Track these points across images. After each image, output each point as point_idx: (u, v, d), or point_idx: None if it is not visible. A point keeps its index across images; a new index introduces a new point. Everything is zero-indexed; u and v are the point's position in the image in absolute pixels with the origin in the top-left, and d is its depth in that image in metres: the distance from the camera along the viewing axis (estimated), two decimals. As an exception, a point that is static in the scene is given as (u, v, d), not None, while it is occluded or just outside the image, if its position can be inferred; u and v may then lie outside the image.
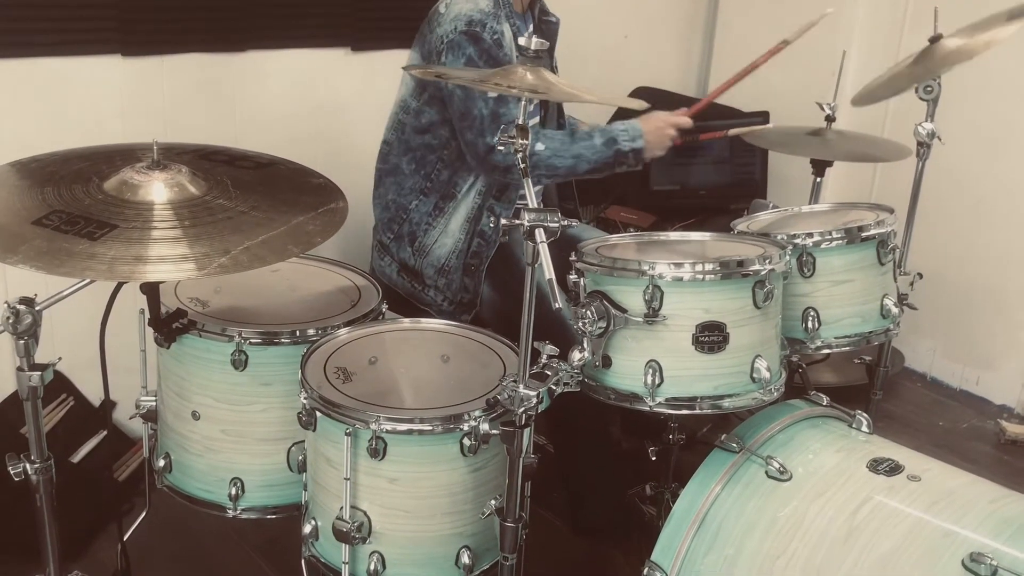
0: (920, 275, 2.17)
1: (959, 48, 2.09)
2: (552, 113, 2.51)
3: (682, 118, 2.37)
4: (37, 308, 1.47)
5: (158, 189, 1.49)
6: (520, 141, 1.50)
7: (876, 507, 1.54)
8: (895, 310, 1.93)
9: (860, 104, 2.34)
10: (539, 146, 2.21)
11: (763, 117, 3.32)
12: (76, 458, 2.51)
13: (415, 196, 2.41)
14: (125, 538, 2.05)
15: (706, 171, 3.38)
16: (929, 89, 2.14)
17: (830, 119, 2.43)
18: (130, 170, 1.52)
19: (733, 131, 2.52)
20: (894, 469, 1.61)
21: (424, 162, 2.38)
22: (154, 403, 1.98)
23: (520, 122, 1.50)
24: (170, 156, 1.58)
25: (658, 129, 2.32)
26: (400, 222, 2.43)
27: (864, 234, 1.88)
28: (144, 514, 2.09)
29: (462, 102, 2.21)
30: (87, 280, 1.39)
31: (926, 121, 2.18)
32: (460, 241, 2.37)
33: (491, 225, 2.35)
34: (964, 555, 1.39)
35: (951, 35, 2.14)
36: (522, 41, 1.54)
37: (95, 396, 2.61)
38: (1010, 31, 2.03)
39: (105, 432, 2.56)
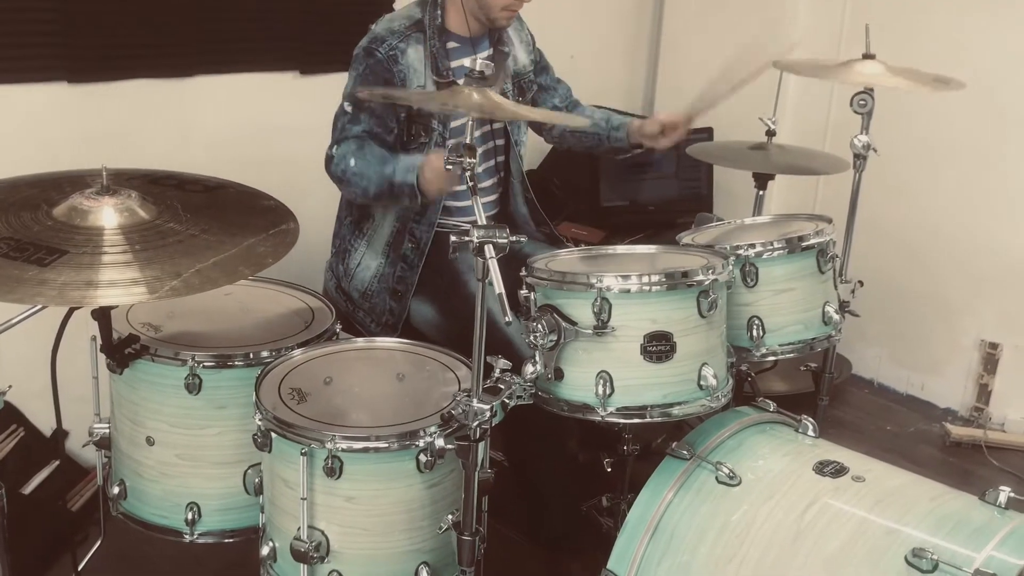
0: (861, 283, 2.23)
1: (880, 75, 2.19)
2: (515, 137, 2.53)
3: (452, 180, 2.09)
4: (-14, 336, 1.46)
5: (108, 214, 1.50)
6: (468, 160, 1.53)
7: (823, 508, 1.58)
8: (836, 317, 1.99)
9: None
10: (351, 161, 2.22)
11: (707, 133, 3.39)
12: (27, 489, 2.47)
13: (345, 214, 2.46)
14: (80, 568, 2.03)
15: (654, 187, 3.44)
16: (863, 103, 2.21)
17: (771, 133, 2.50)
18: (79, 196, 1.52)
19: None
20: (839, 471, 1.66)
21: None
22: (107, 430, 1.97)
23: (468, 141, 1.53)
24: (119, 181, 1.58)
25: (436, 167, 2.08)
26: (340, 238, 2.47)
27: (804, 244, 1.93)
28: (99, 543, 2.07)
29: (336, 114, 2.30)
30: (38, 306, 1.39)
31: (862, 134, 2.25)
32: (382, 265, 2.39)
33: (411, 248, 2.36)
34: (907, 551, 1.44)
35: (882, 61, 2.23)
36: (467, 62, 1.57)
37: (46, 426, 2.57)
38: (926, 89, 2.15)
39: (57, 462, 2.53)
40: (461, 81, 2.26)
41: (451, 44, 2.35)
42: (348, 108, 2.26)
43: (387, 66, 2.26)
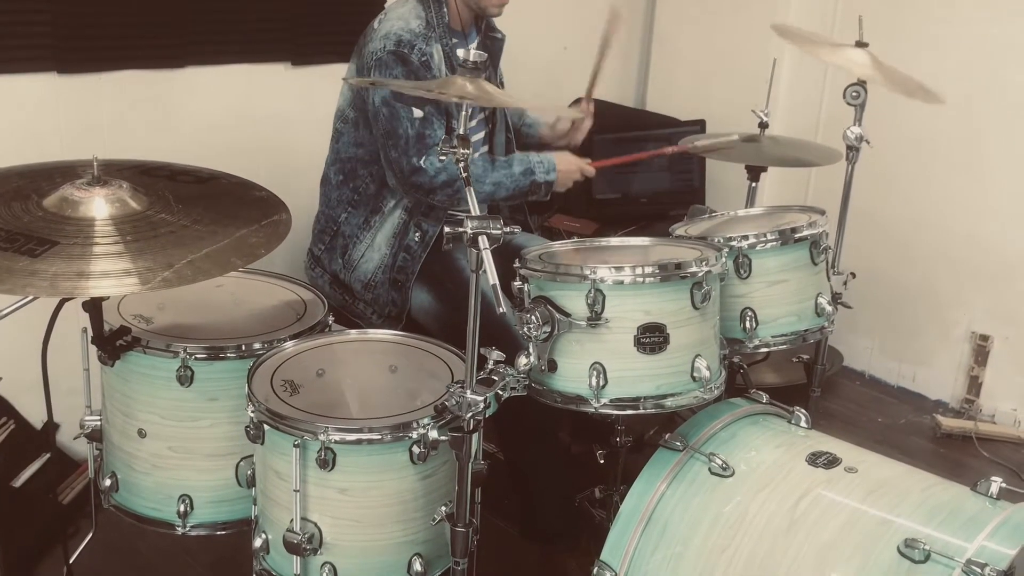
0: (853, 274, 2.23)
1: (873, 69, 2.19)
2: (500, 126, 2.54)
3: (588, 166, 2.46)
4: (-23, 328, 1.45)
5: (99, 205, 1.49)
6: (461, 151, 1.53)
7: (816, 499, 1.58)
8: (829, 308, 1.99)
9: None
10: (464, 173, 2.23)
11: (699, 126, 3.39)
12: (18, 482, 2.46)
13: (343, 209, 2.43)
14: (71, 561, 2.02)
15: (647, 179, 3.44)
16: (856, 95, 2.21)
17: (763, 126, 2.50)
18: (70, 187, 1.51)
19: (671, 149, 2.60)
20: (832, 462, 1.66)
21: (354, 175, 2.40)
22: (99, 422, 1.96)
23: (460, 132, 1.53)
24: (110, 172, 1.57)
25: (568, 169, 2.40)
26: (331, 234, 2.45)
27: (797, 235, 1.93)
28: (90, 535, 2.06)
29: (388, 121, 2.24)
30: (29, 297, 1.38)
31: (854, 126, 2.25)
32: (386, 256, 2.39)
33: (416, 239, 2.36)
34: (899, 541, 1.45)
35: (873, 53, 2.23)
36: (460, 53, 1.56)
37: (37, 419, 2.56)
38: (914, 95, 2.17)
39: (48, 455, 2.52)
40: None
41: (454, 40, 2.35)
42: (418, 113, 2.21)
43: (424, 73, 2.24)
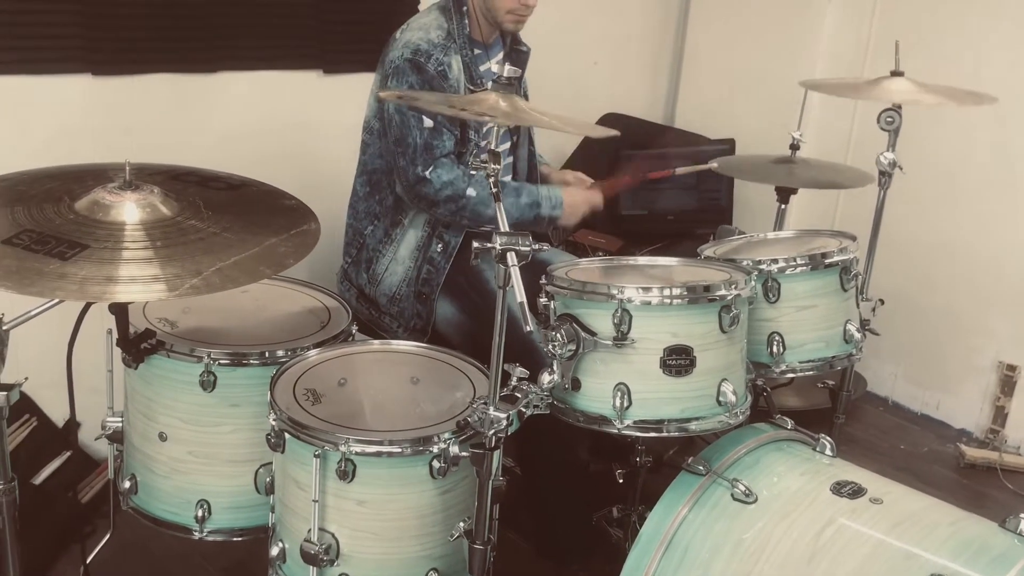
0: (882, 301, 2.21)
1: (911, 91, 2.17)
2: (523, 139, 2.54)
3: (597, 199, 2.46)
4: (5, 327, 1.46)
5: (130, 210, 1.49)
6: (492, 166, 1.52)
7: (839, 529, 1.56)
8: (857, 335, 1.97)
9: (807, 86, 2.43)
10: (471, 191, 2.24)
11: (728, 145, 3.38)
12: (38, 480, 2.47)
13: (369, 221, 2.44)
14: (88, 560, 2.03)
15: (674, 196, 3.42)
16: (890, 120, 2.19)
17: (795, 147, 2.49)
18: (102, 190, 1.51)
19: (680, 170, 2.59)
20: (857, 492, 1.64)
21: (378, 187, 2.41)
22: (120, 424, 1.97)
23: (493, 147, 1.52)
24: (142, 176, 1.58)
25: (575, 204, 2.40)
26: (358, 247, 2.46)
27: (827, 261, 1.92)
28: (108, 536, 2.06)
29: (399, 128, 2.25)
30: (56, 300, 1.39)
31: (888, 151, 2.23)
32: (410, 269, 2.39)
33: (439, 251, 2.36)
34: (925, 576, 1.42)
35: (911, 78, 2.21)
36: (494, 68, 1.56)
37: (59, 417, 2.58)
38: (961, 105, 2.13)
39: (69, 453, 2.53)
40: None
41: (476, 51, 2.35)
42: (429, 123, 2.22)
43: (439, 83, 2.25)
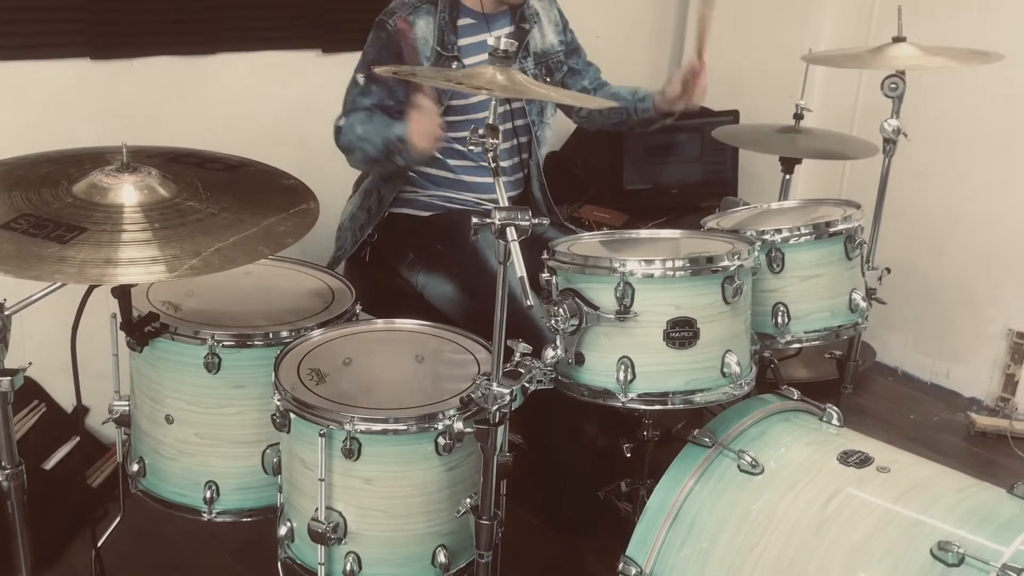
0: (888, 270, 2.19)
1: (915, 56, 2.14)
2: (518, 113, 2.51)
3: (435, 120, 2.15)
4: (6, 312, 1.46)
5: (128, 192, 1.49)
6: (490, 141, 1.51)
7: (846, 499, 1.56)
8: (863, 304, 1.96)
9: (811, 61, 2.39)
10: (358, 129, 2.23)
11: (732, 116, 3.35)
12: (48, 465, 2.48)
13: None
14: (99, 544, 2.04)
15: (678, 170, 3.40)
16: (894, 86, 2.17)
17: (799, 117, 2.46)
18: (99, 173, 1.51)
19: None
20: (864, 461, 1.63)
21: None
22: (127, 408, 1.97)
23: (491, 122, 1.51)
24: (140, 159, 1.57)
25: (421, 132, 2.12)
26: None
27: (832, 230, 1.90)
28: (118, 519, 2.07)
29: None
30: (57, 284, 1.39)
31: (892, 118, 2.21)
32: (354, 214, 2.49)
33: (375, 203, 2.44)
34: (932, 544, 1.42)
35: (914, 42, 2.18)
36: (490, 41, 1.54)
37: (67, 402, 2.59)
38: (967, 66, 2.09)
39: (78, 438, 2.54)
40: (469, 60, 2.28)
41: (464, 20, 2.33)
42: (360, 80, 2.28)
43: (396, 39, 2.25)
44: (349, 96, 2.31)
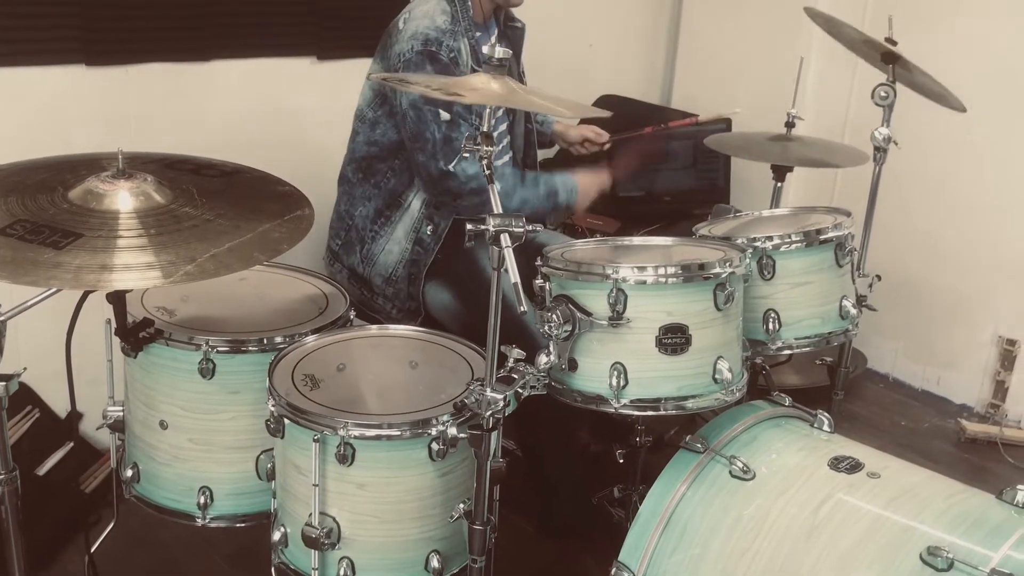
0: (879, 277, 2.21)
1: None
2: (519, 118, 2.53)
3: (606, 179, 2.51)
4: (1, 318, 1.46)
5: (123, 198, 1.49)
6: (485, 148, 1.52)
7: (837, 504, 1.57)
8: (853, 311, 1.97)
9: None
10: (518, 196, 2.28)
11: (724, 123, 3.36)
12: (42, 471, 2.49)
13: (362, 204, 2.44)
14: (93, 549, 2.04)
15: (671, 177, 3.42)
16: (884, 95, 2.19)
17: (790, 125, 2.48)
18: (95, 179, 1.51)
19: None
20: (854, 467, 1.64)
21: (371, 171, 2.41)
22: (121, 413, 1.98)
23: (485, 129, 1.52)
24: (135, 165, 1.58)
25: (587, 187, 2.45)
26: (347, 228, 2.46)
27: (822, 237, 1.91)
28: (112, 525, 2.07)
29: (415, 124, 2.22)
30: (53, 289, 1.39)
31: (882, 126, 2.22)
32: (406, 250, 2.39)
33: (429, 232, 2.37)
34: (922, 549, 1.43)
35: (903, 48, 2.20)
36: (486, 49, 1.56)
37: (61, 408, 2.59)
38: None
39: (71, 444, 2.54)
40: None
41: (478, 33, 2.33)
42: (445, 116, 2.20)
43: (451, 70, 2.22)
44: (438, 136, 2.21)
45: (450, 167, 2.21)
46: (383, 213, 2.41)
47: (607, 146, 2.67)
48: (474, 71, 2.26)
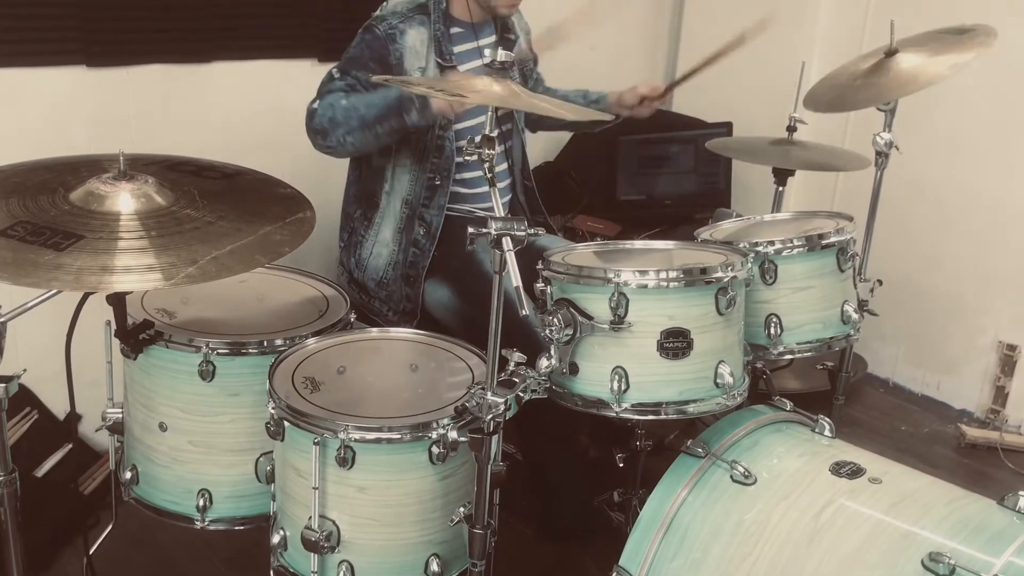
0: (880, 282, 2.20)
1: (917, 71, 2.13)
2: (505, 117, 2.52)
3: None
4: (1, 319, 1.46)
5: (125, 200, 1.49)
6: (487, 151, 1.51)
7: (839, 509, 1.56)
8: (855, 316, 1.97)
9: (813, 109, 2.38)
10: (342, 102, 2.20)
11: (726, 128, 3.37)
12: (40, 472, 2.48)
13: (354, 204, 2.46)
14: (91, 551, 2.03)
15: (672, 181, 3.42)
16: (887, 100, 2.18)
17: (792, 129, 2.48)
18: (96, 181, 1.51)
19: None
20: (856, 472, 1.64)
21: (356, 169, 2.44)
22: (120, 415, 1.97)
23: (488, 132, 1.52)
24: (136, 167, 1.58)
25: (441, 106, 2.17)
26: (349, 231, 2.47)
27: (824, 242, 1.91)
28: (111, 527, 2.07)
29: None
30: (53, 291, 1.39)
31: (884, 131, 2.22)
32: (395, 252, 2.39)
33: (422, 233, 2.36)
34: (923, 555, 1.43)
35: (908, 49, 2.19)
36: (487, 52, 1.55)
37: (60, 410, 2.58)
38: (967, 56, 2.09)
39: (70, 445, 2.53)
40: (462, 67, 2.28)
41: (454, 29, 2.34)
42: (336, 74, 2.27)
43: (384, 43, 2.27)
44: (324, 86, 2.28)
45: (315, 104, 2.23)
46: (366, 215, 2.42)
47: (667, 96, 2.57)
48: (437, 63, 2.29)
